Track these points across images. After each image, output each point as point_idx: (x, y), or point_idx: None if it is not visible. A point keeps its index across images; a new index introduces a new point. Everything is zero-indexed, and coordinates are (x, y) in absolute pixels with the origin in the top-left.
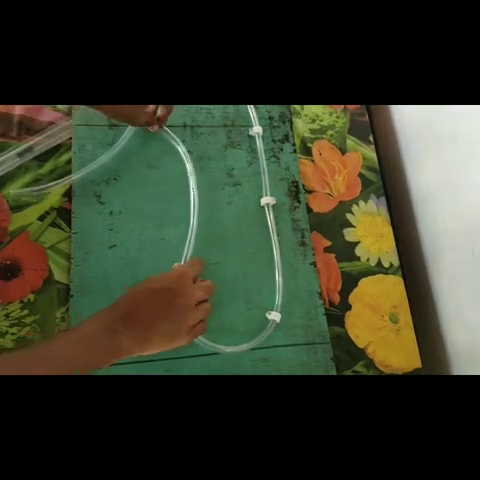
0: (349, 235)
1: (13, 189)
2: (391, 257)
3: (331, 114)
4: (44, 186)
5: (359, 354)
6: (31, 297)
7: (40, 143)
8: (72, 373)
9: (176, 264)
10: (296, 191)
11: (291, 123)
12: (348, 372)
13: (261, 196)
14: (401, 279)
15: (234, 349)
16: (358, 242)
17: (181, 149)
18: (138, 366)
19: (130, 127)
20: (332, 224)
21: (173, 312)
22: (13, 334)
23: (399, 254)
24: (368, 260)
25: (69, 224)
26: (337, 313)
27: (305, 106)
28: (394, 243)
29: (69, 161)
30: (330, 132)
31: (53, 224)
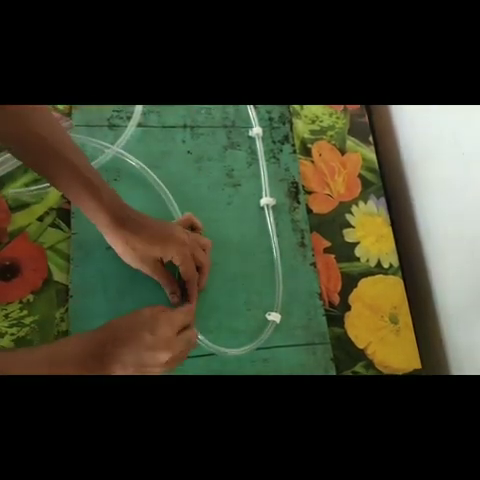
0: (349, 236)
1: (13, 189)
2: (391, 258)
3: (331, 115)
4: (44, 186)
5: (359, 355)
6: (30, 298)
7: None
8: None
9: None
10: (296, 192)
11: (291, 124)
12: (348, 372)
13: (261, 197)
14: (401, 280)
15: (235, 351)
16: (358, 243)
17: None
18: None
19: (130, 126)
20: (332, 225)
21: (141, 361)
22: (12, 335)
23: (399, 255)
24: (368, 261)
25: (68, 225)
26: (337, 314)
27: (305, 107)
28: (394, 244)
29: None
30: (330, 133)
31: (52, 224)
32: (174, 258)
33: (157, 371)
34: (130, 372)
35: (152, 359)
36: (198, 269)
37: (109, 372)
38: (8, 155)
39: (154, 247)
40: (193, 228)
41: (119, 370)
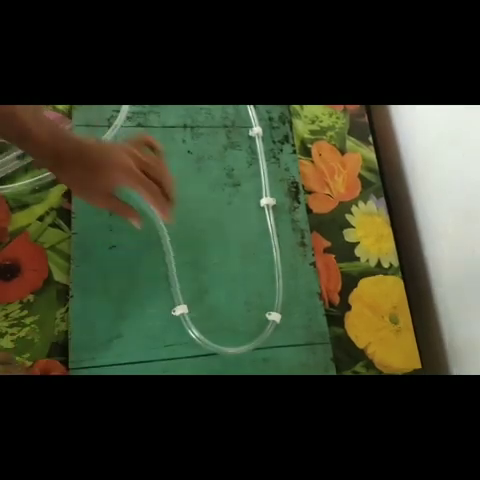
0: (349, 236)
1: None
2: (391, 258)
3: (331, 115)
4: (43, 178)
5: (359, 355)
6: (31, 297)
7: None
8: None
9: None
10: (296, 192)
11: (291, 124)
12: (348, 372)
13: (261, 197)
14: (401, 280)
15: (235, 350)
16: (358, 243)
17: None
18: (135, 366)
19: (114, 126)
20: (332, 225)
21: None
22: (13, 334)
23: (399, 255)
24: (368, 261)
25: (69, 224)
26: (337, 314)
27: (305, 107)
28: (394, 244)
29: None
30: (330, 133)
31: (53, 224)
32: (125, 183)
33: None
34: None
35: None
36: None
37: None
38: (8, 158)
39: (99, 178)
40: (152, 148)
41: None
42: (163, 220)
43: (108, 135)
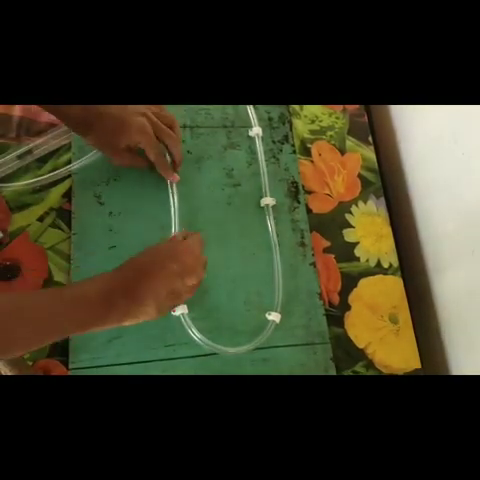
0: (348, 235)
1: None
2: (390, 258)
3: (330, 115)
4: (42, 178)
5: (358, 354)
6: None
7: (40, 146)
8: (47, 334)
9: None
10: (296, 192)
11: (290, 124)
12: (348, 372)
13: (261, 197)
14: (400, 279)
15: (235, 350)
16: (357, 243)
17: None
18: (135, 367)
19: None
20: (331, 225)
21: (174, 289)
22: None
23: (399, 255)
24: (367, 261)
25: (69, 225)
26: (337, 313)
27: (304, 107)
28: (394, 243)
29: (69, 162)
30: (329, 133)
31: (53, 225)
32: (140, 144)
33: (187, 296)
34: (163, 302)
35: (182, 285)
36: (168, 149)
37: (141, 306)
38: (8, 157)
39: (118, 137)
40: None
41: (152, 302)
42: (168, 179)
43: None
